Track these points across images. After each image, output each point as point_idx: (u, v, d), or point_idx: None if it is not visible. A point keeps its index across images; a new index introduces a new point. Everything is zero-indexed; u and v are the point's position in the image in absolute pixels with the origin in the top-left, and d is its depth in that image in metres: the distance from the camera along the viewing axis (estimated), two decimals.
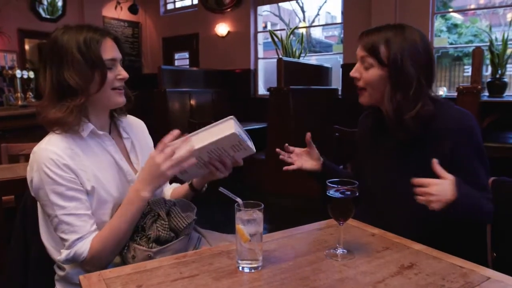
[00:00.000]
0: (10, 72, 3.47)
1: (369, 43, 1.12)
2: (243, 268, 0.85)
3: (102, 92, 1.02)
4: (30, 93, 3.79)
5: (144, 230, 1.03)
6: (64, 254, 0.97)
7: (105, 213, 1.03)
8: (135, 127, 1.23)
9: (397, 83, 1.09)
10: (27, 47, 6.20)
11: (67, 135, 1.01)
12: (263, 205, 0.86)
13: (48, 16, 6.10)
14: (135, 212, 1.00)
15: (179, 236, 1.04)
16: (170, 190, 1.29)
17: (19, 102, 3.49)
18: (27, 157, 2.44)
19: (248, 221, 0.84)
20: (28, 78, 3.62)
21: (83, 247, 0.96)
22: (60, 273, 1.07)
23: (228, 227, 1.02)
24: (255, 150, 1.09)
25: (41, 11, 6.04)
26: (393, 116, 1.11)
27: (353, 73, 1.17)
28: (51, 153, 0.97)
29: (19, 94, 3.51)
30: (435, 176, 0.98)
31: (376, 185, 1.24)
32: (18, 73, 3.41)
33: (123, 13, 7.12)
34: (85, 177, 1.00)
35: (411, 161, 1.15)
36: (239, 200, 0.88)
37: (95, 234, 0.99)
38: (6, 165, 2.30)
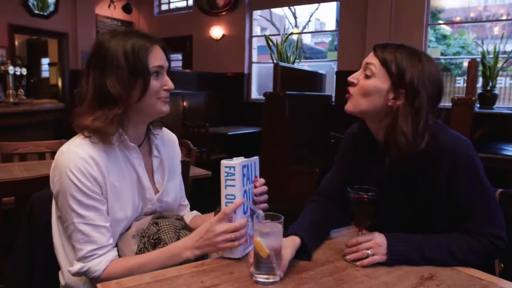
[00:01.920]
0: (2, 68, 3.36)
1: (384, 55, 1.05)
2: (258, 281, 0.82)
3: (145, 100, 0.98)
4: (22, 90, 3.69)
5: None
6: (77, 266, 0.93)
7: (113, 228, 0.99)
8: (167, 142, 1.18)
9: (410, 111, 1.00)
10: (16, 43, 6.07)
11: (98, 141, 0.97)
12: (283, 217, 0.84)
13: (39, 12, 5.98)
14: (169, 264, 0.94)
15: None
16: (190, 217, 1.22)
17: (11, 99, 3.39)
18: (21, 157, 2.41)
19: (268, 234, 0.82)
20: (21, 74, 3.52)
21: (99, 266, 0.92)
22: (63, 281, 1.03)
23: None
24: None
25: (32, 6, 5.92)
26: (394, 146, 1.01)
27: (352, 78, 1.09)
28: (79, 159, 0.93)
29: (10, 91, 3.41)
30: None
31: None
32: (10, 69, 3.31)
33: (117, 12, 7.05)
34: (104, 187, 0.96)
35: (406, 185, 1.07)
36: (260, 211, 0.87)
37: (113, 252, 0.96)
38: (0, 164, 2.24)
